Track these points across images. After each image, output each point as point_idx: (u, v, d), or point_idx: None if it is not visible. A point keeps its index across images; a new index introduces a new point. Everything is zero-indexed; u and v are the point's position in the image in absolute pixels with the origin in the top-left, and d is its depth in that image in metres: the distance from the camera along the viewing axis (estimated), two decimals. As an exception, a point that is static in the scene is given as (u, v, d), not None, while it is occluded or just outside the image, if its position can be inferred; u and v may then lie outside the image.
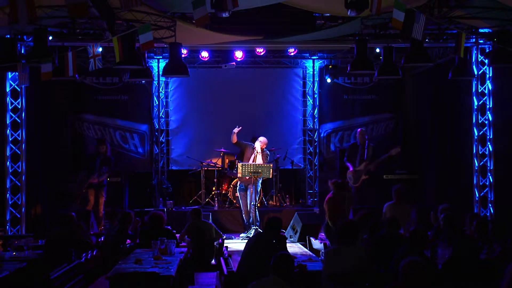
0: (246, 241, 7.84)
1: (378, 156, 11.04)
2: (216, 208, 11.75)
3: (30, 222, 10.34)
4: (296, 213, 10.71)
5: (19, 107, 10.70)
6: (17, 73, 9.59)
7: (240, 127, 11.11)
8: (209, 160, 12.55)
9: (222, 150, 12.38)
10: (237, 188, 11.16)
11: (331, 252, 5.88)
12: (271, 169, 11.15)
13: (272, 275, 4.72)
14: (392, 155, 10.93)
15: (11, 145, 10.68)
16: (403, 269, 4.25)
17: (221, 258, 6.77)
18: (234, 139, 11.09)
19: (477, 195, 11.15)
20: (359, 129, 11.51)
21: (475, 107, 11.22)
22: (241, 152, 11.44)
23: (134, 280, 5.79)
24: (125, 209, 10.42)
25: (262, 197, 11.91)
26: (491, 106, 11.13)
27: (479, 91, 11.17)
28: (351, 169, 11.11)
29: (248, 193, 10.83)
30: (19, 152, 10.69)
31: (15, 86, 10.65)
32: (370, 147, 11.13)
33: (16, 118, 10.70)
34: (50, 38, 9.03)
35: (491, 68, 10.99)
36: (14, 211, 10.66)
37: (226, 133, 12.91)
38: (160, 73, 12.19)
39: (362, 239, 6.55)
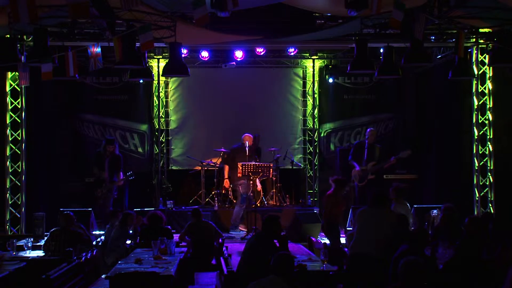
0: (246, 241, 7.83)
1: (384, 156, 10.94)
2: (216, 208, 11.73)
3: (30, 222, 10.34)
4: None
5: (19, 107, 10.71)
6: (17, 73, 9.59)
7: None
8: (209, 160, 12.55)
9: (222, 150, 12.37)
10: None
11: (363, 212, 6.62)
12: (271, 169, 11.15)
13: (272, 275, 4.72)
14: (401, 158, 10.80)
15: (11, 145, 10.69)
16: (403, 268, 4.25)
17: (221, 258, 6.77)
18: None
19: (477, 195, 11.15)
20: (369, 129, 11.38)
21: (475, 107, 11.23)
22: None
23: (134, 280, 5.79)
24: (125, 209, 10.41)
25: (262, 197, 11.91)
26: (491, 106, 11.14)
27: (479, 91, 11.17)
28: (357, 168, 11.01)
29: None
30: (19, 152, 10.70)
31: (15, 86, 10.66)
32: (377, 148, 11.06)
33: (16, 118, 10.70)
34: (50, 38, 9.03)
35: (491, 68, 11.00)
36: (14, 211, 10.67)
37: (226, 133, 12.95)
38: (160, 73, 12.19)
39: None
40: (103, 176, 10.79)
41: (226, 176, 11.69)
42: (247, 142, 11.37)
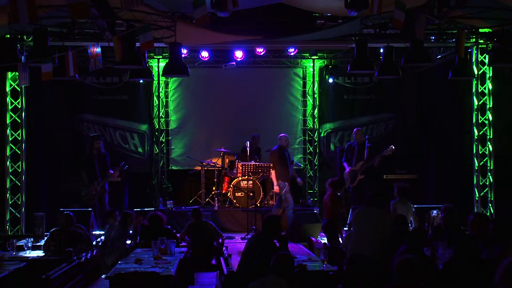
0: (246, 241, 7.83)
1: (374, 155, 10.95)
2: (216, 208, 11.74)
3: (30, 222, 10.34)
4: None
5: (19, 107, 10.71)
6: (17, 73, 9.59)
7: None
8: (209, 160, 12.55)
9: (222, 150, 12.38)
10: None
11: (360, 212, 6.68)
12: (271, 169, 11.14)
13: (272, 275, 4.72)
14: (385, 156, 10.81)
15: (11, 145, 10.69)
16: (397, 267, 4.26)
17: (221, 258, 6.77)
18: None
19: (477, 195, 11.16)
20: (355, 129, 11.45)
21: (475, 107, 11.23)
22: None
23: (134, 280, 5.79)
24: (125, 209, 10.40)
25: (262, 197, 11.91)
26: (491, 106, 11.15)
27: (479, 91, 11.18)
28: (347, 169, 11.08)
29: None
30: (19, 152, 10.71)
31: (15, 86, 10.66)
32: (368, 148, 11.06)
33: (16, 118, 10.71)
34: (50, 38, 9.03)
35: (491, 68, 11.01)
36: (14, 211, 10.67)
37: (226, 133, 12.97)
38: (160, 73, 12.19)
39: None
40: (93, 177, 10.73)
41: (275, 182, 11.00)
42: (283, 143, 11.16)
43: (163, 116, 13.03)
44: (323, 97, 13.25)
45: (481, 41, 10.24)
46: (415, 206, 10.05)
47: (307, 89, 13.36)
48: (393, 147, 10.76)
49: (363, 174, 10.90)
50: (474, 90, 11.23)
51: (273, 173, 10.90)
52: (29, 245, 7.72)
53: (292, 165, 11.69)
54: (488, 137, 11.19)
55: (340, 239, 8.95)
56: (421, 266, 4.33)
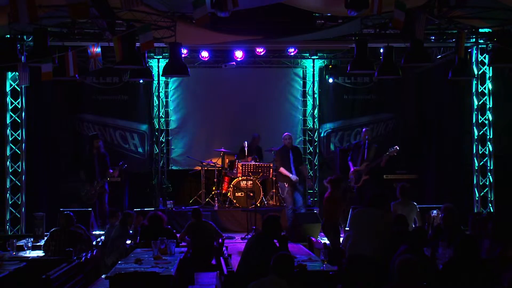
0: (246, 241, 7.82)
1: (378, 156, 10.93)
2: (216, 208, 11.74)
3: (30, 222, 10.34)
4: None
5: (19, 107, 10.71)
6: (17, 73, 9.59)
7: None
8: (209, 160, 12.55)
9: (222, 150, 12.38)
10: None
11: (360, 212, 6.82)
12: (271, 169, 11.13)
13: (272, 275, 4.72)
14: (389, 155, 10.79)
15: (11, 145, 10.69)
16: (397, 267, 4.27)
17: (221, 258, 6.77)
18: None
19: (477, 195, 11.16)
20: (364, 129, 11.37)
21: (475, 107, 11.24)
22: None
23: (134, 280, 5.79)
24: (125, 209, 10.40)
25: (262, 197, 11.91)
26: (491, 106, 11.15)
27: (479, 91, 11.18)
28: (352, 169, 11.04)
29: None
30: (19, 152, 10.71)
31: (15, 86, 10.67)
32: (373, 148, 10.99)
33: (16, 118, 10.71)
34: (50, 38, 9.03)
35: (491, 68, 11.01)
36: (14, 211, 10.67)
37: (226, 133, 12.97)
38: (160, 73, 12.19)
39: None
40: (92, 177, 10.70)
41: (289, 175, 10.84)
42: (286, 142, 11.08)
43: (163, 116, 13.03)
44: (323, 97, 13.25)
45: (481, 41, 10.24)
46: (415, 206, 10.09)
47: (307, 89, 13.36)
48: (397, 148, 10.74)
49: (367, 174, 10.88)
50: (474, 90, 11.23)
51: (282, 169, 10.83)
52: (29, 245, 7.72)
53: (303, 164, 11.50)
54: (488, 137, 11.20)
55: (340, 239, 8.94)
56: (421, 266, 4.34)
